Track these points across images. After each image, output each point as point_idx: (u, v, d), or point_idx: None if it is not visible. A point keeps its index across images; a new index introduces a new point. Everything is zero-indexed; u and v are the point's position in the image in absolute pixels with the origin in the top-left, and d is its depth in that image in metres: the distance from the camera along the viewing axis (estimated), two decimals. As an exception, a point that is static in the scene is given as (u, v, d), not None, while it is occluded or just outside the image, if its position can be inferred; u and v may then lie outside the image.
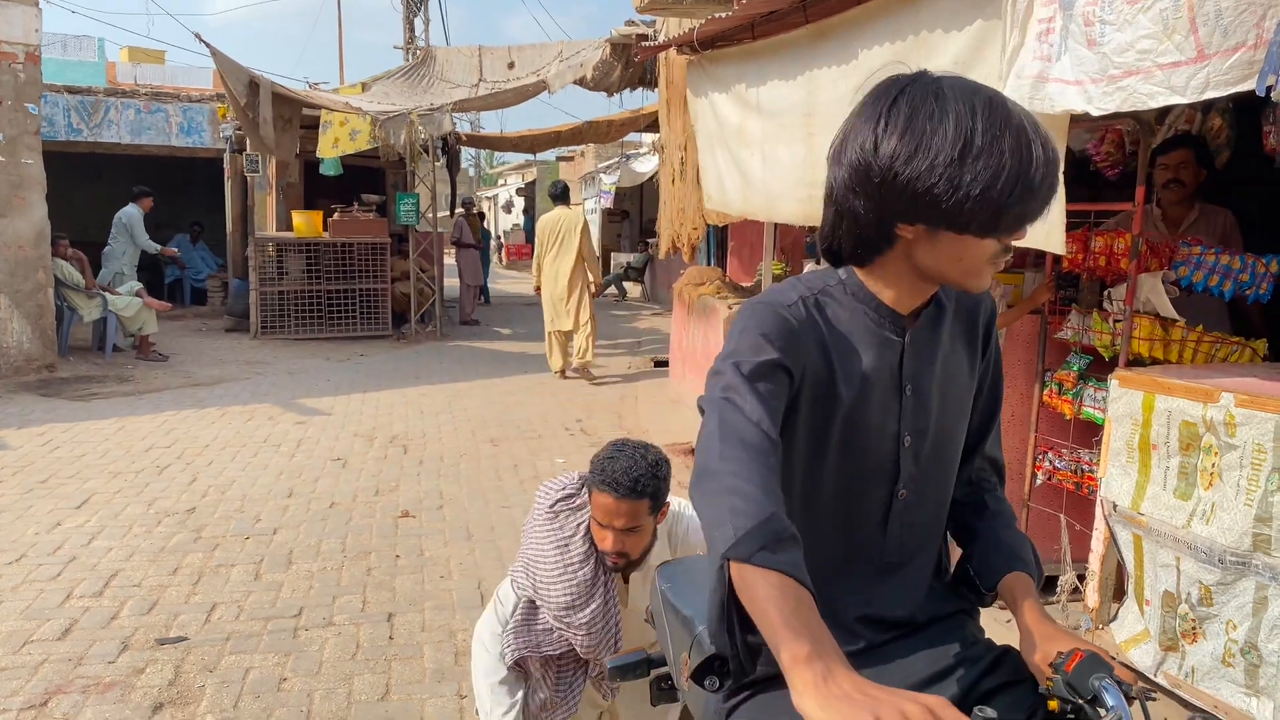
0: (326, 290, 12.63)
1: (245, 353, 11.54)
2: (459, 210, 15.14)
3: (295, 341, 12.40)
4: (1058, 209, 3.34)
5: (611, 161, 22.47)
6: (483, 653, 2.58)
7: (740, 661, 1.15)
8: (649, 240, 19.62)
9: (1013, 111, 1.22)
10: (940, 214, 1.22)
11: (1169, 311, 3.65)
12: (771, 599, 1.05)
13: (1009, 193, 1.19)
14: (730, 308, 7.05)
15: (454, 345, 12.62)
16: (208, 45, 9.97)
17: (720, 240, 9.45)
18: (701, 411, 1.30)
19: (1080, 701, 1.23)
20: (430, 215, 13.11)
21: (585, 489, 2.53)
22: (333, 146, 11.08)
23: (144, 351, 10.76)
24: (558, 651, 2.54)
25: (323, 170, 12.34)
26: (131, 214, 12.00)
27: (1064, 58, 2.88)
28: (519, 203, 31.55)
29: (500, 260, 29.87)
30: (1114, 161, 4.81)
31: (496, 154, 41.48)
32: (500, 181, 35.41)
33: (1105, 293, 4.00)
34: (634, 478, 2.41)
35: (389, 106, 11.00)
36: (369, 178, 13.95)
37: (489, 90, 11.50)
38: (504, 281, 23.95)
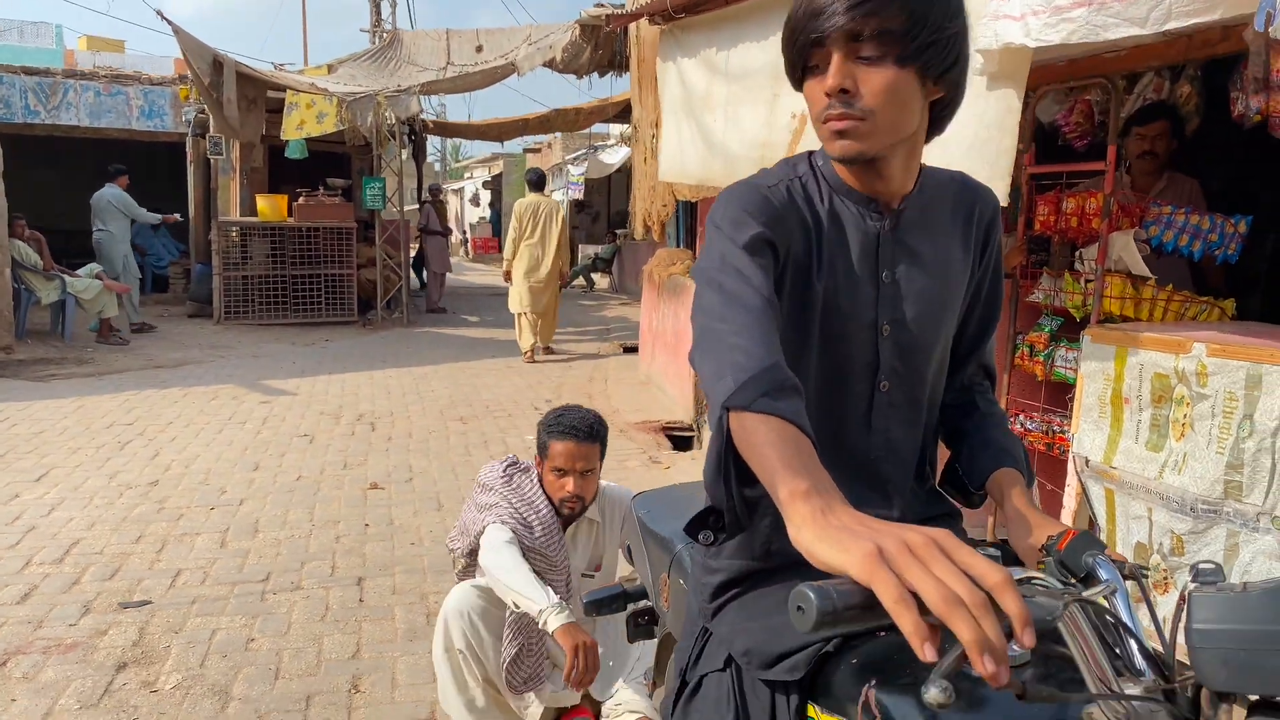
0: (291, 275, 12.47)
1: (208, 337, 11.37)
2: (425, 197, 15.02)
3: (259, 326, 12.24)
4: (1004, 162, 3.36)
5: (579, 153, 22.41)
6: (491, 547, 2.74)
7: (736, 514, 1.12)
8: (618, 232, 19.60)
9: None
10: (790, 63, 1.30)
11: (1141, 268, 3.68)
12: (771, 443, 1.03)
13: (798, 12, 1.24)
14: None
15: (421, 331, 12.51)
16: (170, 22, 9.81)
17: (690, 224, 9.43)
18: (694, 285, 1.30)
19: (1073, 581, 1.22)
20: (397, 200, 12.99)
21: (537, 449, 2.88)
22: (298, 129, 10.92)
23: (104, 335, 10.57)
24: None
25: (288, 154, 12.17)
26: (118, 194, 11.70)
27: (1007, -10, 2.89)
28: (485, 196, 31.37)
29: (467, 253, 29.67)
30: (1083, 132, 4.85)
31: (462, 148, 41.28)
32: (466, 175, 35.19)
33: (1077, 253, 4.02)
34: (589, 424, 2.85)
35: (356, 88, 10.88)
36: (335, 163, 13.79)
37: (457, 73, 11.40)
38: (471, 274, 23.80)
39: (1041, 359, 4.07)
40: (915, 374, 1.41)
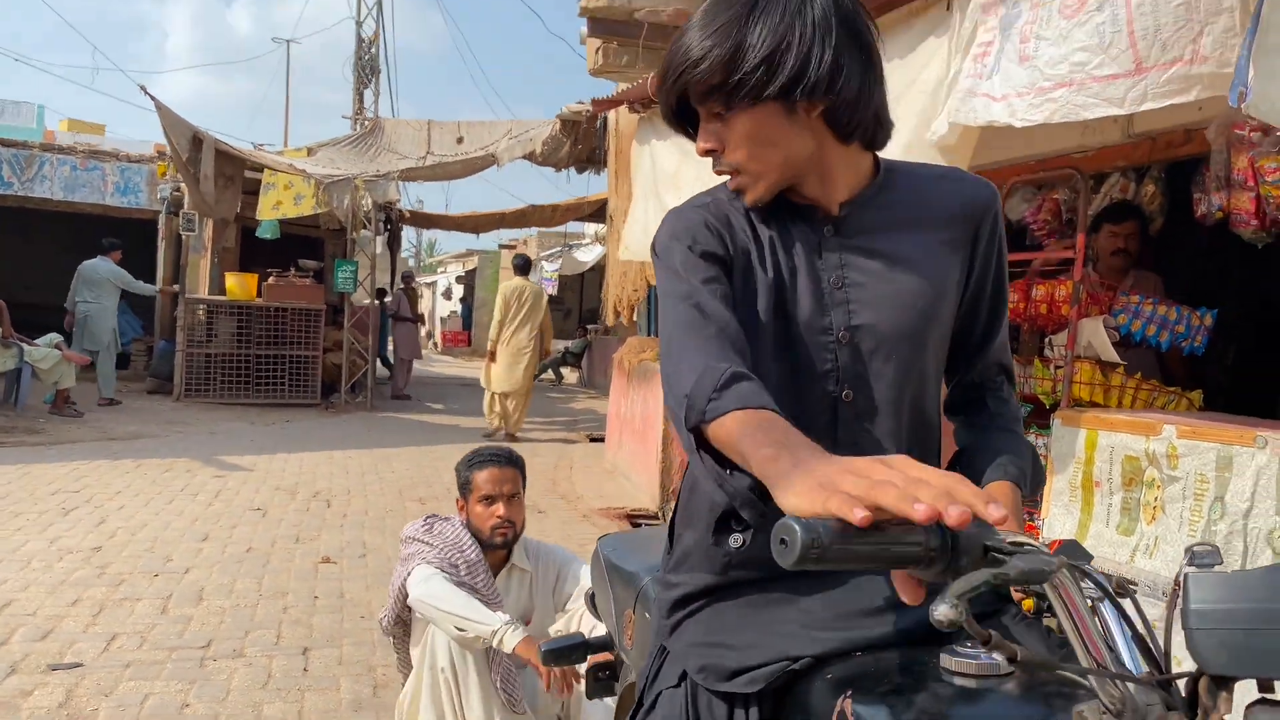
0: (256, 355, 12.33)
1: (166, 413, 11.15)
2: (398, 284, 15.04)
3: (219, 405, 12.03)
4: None
5: (554, 250, 22.67)
6: (420, 580, 2.76)
7: (751, 506, 1.11)
8: (588, 327, 19.68)
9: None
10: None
11: (1110, 354, 3.71)
12: (740, 437, 1.04)
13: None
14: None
15: (384, 416, 12.36)
16: (152, 98, 9.88)
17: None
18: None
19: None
20: (368, 285, 12.98)
21: (459, 491, 2.95)
22: (274, 208, 10.96)
23: (59, 406, 10.33)
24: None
25: (259, 234, 12.19)
26: (113, 268, 11.46)
27: (995, 76, 2.95)
28: (458, 290, 31.52)
29: (436, 346, 29.63)
30: (1050, 230, 4.95)
31: (437, 244, 41.65)
32: (440, 269, 35.42)
33: (1046, 340, 4.05)
34: (505, 451, 2.99)
35: (334, 171, 10.96)
36: (308, 246, 13.79)
37: (436, 162, 11.54)
38: (439, 365, 23.71)
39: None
40: (885, 381, 1.33)
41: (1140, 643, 0.97)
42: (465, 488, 2.92)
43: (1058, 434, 3.50)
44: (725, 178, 1.37)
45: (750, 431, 1.02)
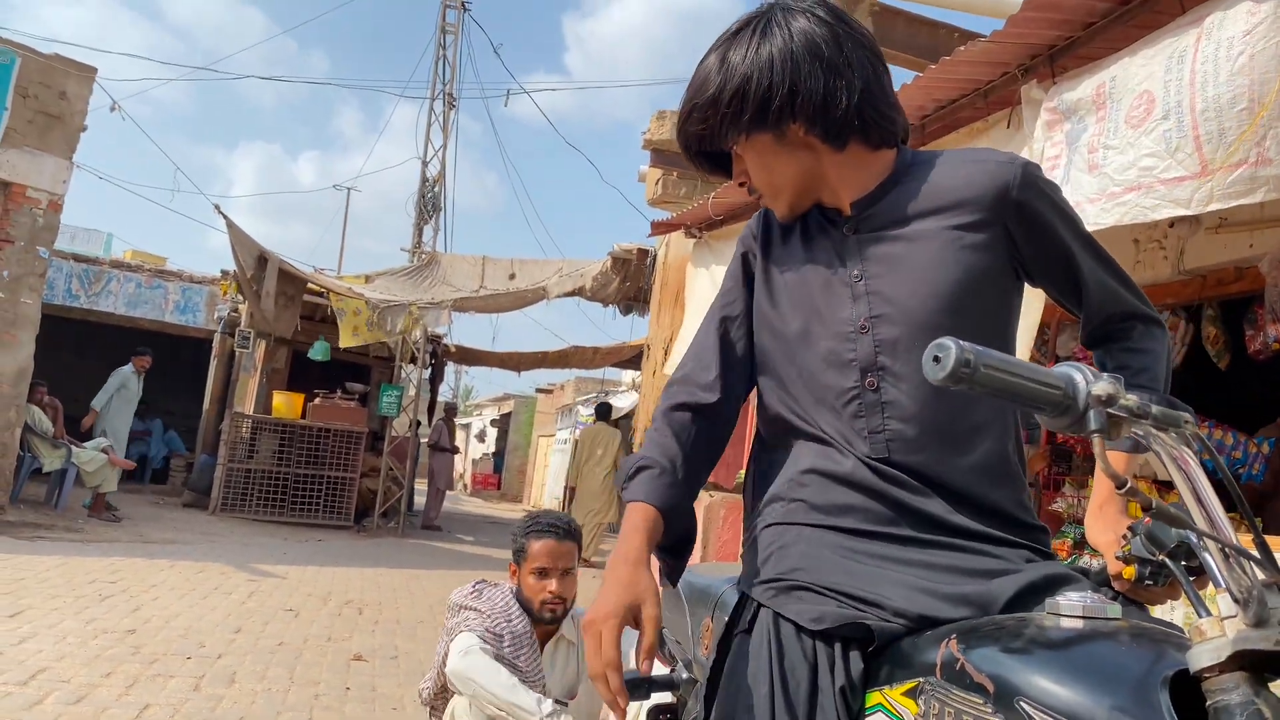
0: (295, 474, 12.43)
1: (201, 525, 11.18)
2: (439, 415, 15.21)
3: (253, 521, 12.05)
4: (1026, 339, 3.45)
5: (590, 396, 22.86)
6: (459, 652, 2.73)
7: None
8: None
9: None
10: None
11: (1166, 474, 3.69)
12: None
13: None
14: (710, 495, 7.00)
15: (415, 543, 12.29)
16: (224, 216, 10.37)
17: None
18: None
19: (1160, 557, 1.17)
20: (411, 411, 13.15)
21: (514, 557, 2.92)
22: (353, 334, 11.27)
23: (97, 509, 10.41)
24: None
25: (311, 354, 12.48)
26: (121, 370, 11.83)
27: (1065, 186, 3.08)
28: (492, 433, 31.70)
29: (465, 488, 29.60)
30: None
31: (474, 392, 42.11)
32: (475, 412, 35.73)
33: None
34: (565, 522, 2.90)
35: (390, 297, 11.31)
36: (356, 370, 14.09)
37: (489, 294, 11.88)
38: (468, 504, 23.63)
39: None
40: (910, 370, 1.34)
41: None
42: (520, 554, 2.89)
43: (1115, 550, 3.46)
44: None
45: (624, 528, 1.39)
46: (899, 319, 1.35)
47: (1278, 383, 4.73)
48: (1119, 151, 2.86)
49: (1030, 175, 1.36)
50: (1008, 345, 1.43)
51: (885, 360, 1.36)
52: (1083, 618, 1.09)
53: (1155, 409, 0.88)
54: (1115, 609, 1.10)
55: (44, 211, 9.63)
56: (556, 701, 2.73)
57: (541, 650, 2.86)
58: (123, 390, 11.69)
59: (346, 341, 11.20)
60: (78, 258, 14.56)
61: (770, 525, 1.41)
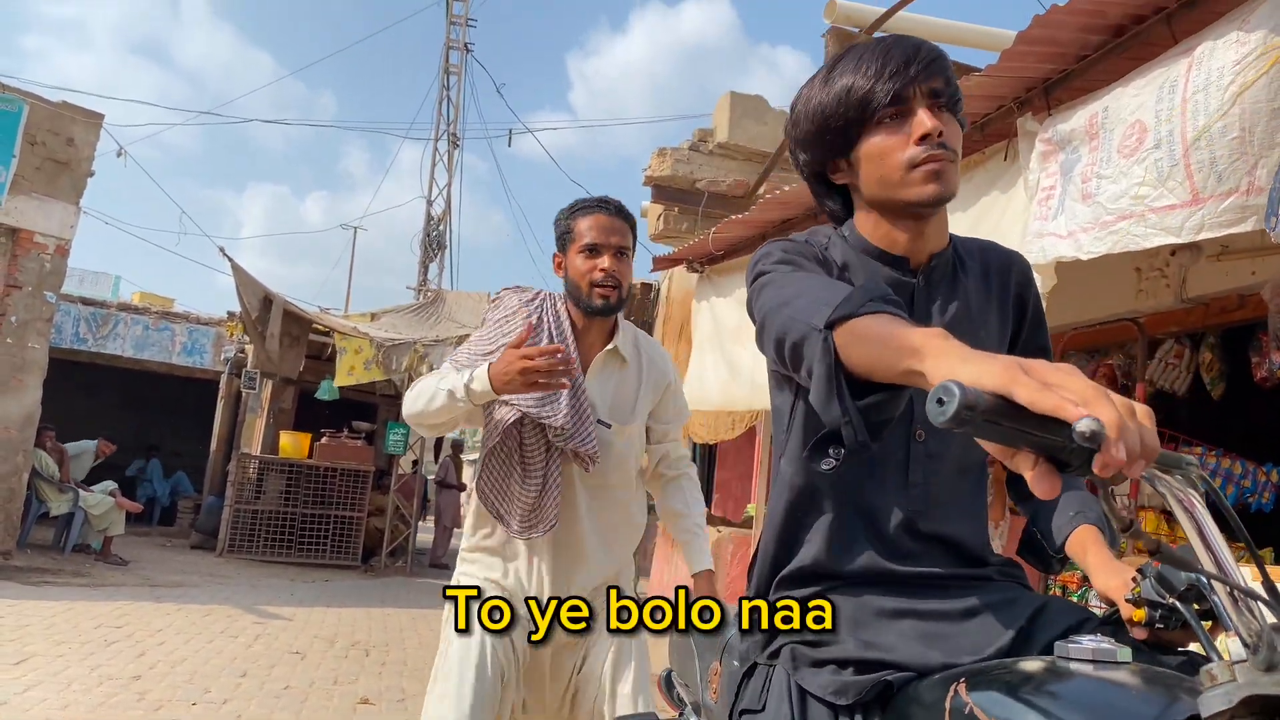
0: (302, 514, 12.40)
1: (209, 567, 11.15)
2: (446, 452, 15.18)
3: (260, 563, 12.01)
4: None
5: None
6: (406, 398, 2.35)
7: (854, 427, 1.06)
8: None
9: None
10: (837, 132, 1.37)
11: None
12: (887, 324, 1.03)
13: (873, 67, 1.34)
14: (719, 530, 6.97)
15: (423, 581, 12.22)
16: (229, 259, 10.44)
17: (706, 476, 9.47)
18: (752, 311, 1.37)
19: (1170, 600, 1.16)
20: (418, 449, 13.14)
21: (558, 244, 2.41)
22: (348, 374, 11.26)
23: (105, 554, 10.39)
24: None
25: (319, 395, 12.49)
26: (84, 444, 11.58)
27: (1060, 216, 3.09)
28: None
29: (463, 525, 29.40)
30: (1106, 394, 5.00)
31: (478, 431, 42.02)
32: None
33: (1110, 490, 4.02)
34: (617, 203, 2.40)
35: (395, 335, 11.33)
36: (362, 409, 14.10)
37: (493, 331, 11.88)
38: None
39: (1075, 599, 3.96)
40: (955, 436, 1.35)
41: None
42: (565, 238, 2.38)
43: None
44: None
45: (905, 325, 1.02)
46: None
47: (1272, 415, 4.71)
48: (1111, 181, 2.87)
49: (1032, 272, 1.56)
50: None
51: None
52: (1093, 661, 1.08)
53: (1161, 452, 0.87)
54: (1125, 652, 1.09)
55: (51, 257, 9.69)
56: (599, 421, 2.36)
57: (585, 369, 2.37)
58: (78, 457, 11.45)
59: (341, 381, 11.18)
60: (85, 301, 14.63)
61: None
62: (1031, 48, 3.26)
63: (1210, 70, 2.57)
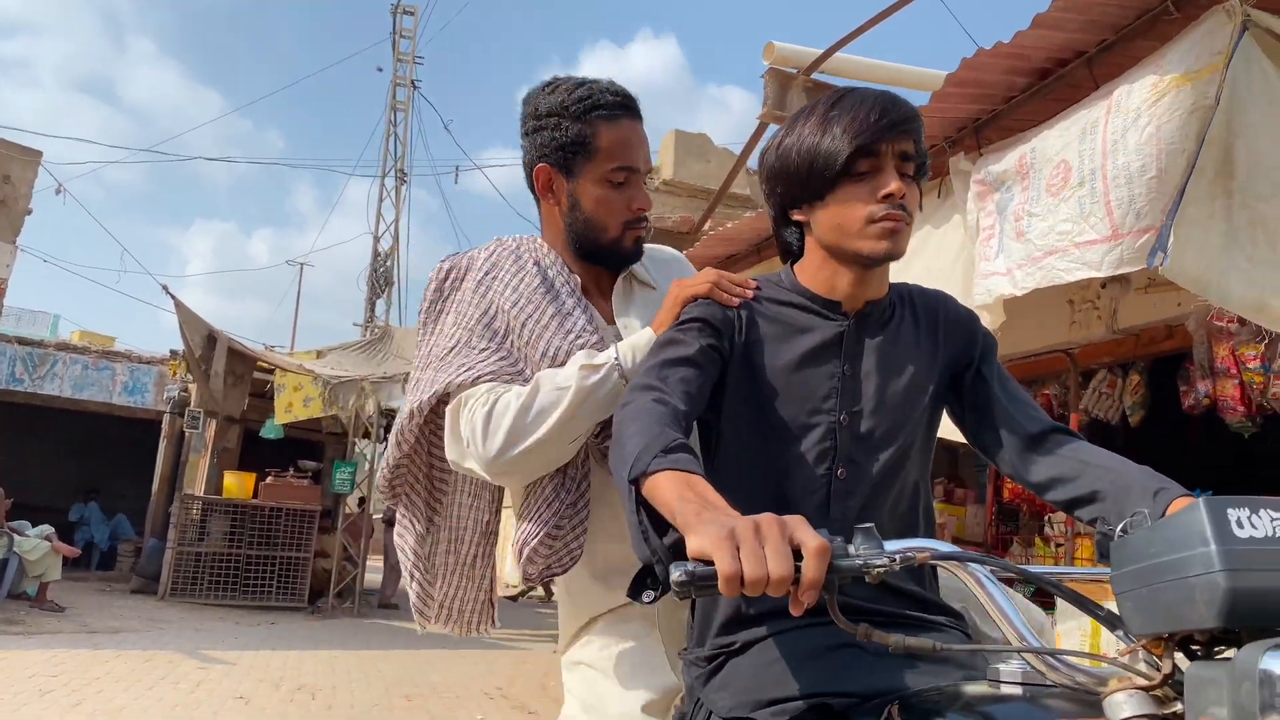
0: (247, 555, 12.16)
1: (150, 611, 10.89)
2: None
3: (204, 606, 11.75)
4: None
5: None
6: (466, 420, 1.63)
7: (664, 564, 1.13)
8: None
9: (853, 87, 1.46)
10: (819, 175, 1.41)
11: (1108, 529, 3.76)
12: (669, 488, 1.12)
13: (849, 121, 1.38)
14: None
15: (371, 622, 12.04)
16: (172, 296, 10.30)
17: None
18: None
19: None
20: (365, 488, 12.99)
21: (558, 159, 1.69)
22: (286, 411, 11.13)
23: (40, 600, 10.11)
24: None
25: (264, 433, 12.32)
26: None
27: (1000, 255, 3.19)
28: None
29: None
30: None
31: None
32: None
33: (1046, 519, 4.11)
34: (635, 98, 1.71)
35: (342, 373, 11.23)
36: (309, 448, 13.91)
37: (441, 368, 11.82)
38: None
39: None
40: (875, 463, 1.45)
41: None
42: (572, 150, 1.67)
43: (1061, 607, 3.50)
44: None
45: (681, 487, 1.11)
46: (873, 416, 1.46)
47: (1202, 442, 4.86)
48: (1040, 218, 2.97)
49: (983, 329, 1.61)
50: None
51: (855, 452, 1.44)
52: (1022, 684, 1.11)
53: (892, 554, 0.97)
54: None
55: (-13, 296, 9.50)
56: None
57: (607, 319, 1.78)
58: None
59: (281, 418, 11.06)
60: (21, 340, 14.31)
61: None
62: (961, 89, 3.37)
63: (1127, 111, 2.68)
